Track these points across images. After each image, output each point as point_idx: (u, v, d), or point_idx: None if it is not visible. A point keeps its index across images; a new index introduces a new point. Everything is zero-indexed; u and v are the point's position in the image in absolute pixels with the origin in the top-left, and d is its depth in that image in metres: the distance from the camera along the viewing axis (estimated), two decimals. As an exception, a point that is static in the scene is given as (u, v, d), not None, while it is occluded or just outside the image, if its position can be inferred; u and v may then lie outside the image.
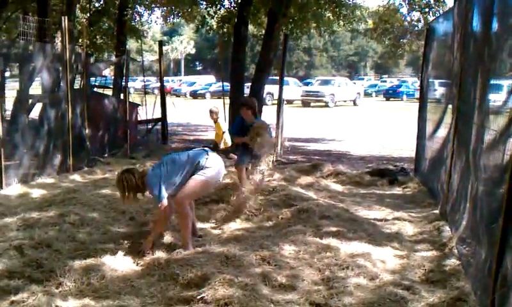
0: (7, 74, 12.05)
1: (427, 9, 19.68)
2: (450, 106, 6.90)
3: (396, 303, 4.00)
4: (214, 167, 5.25)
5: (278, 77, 13.15)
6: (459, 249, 5.16)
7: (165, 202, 4.99)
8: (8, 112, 10.93)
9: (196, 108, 24.10)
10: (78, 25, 16.31)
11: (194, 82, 47.82)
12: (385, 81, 52.93)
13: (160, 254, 4.85)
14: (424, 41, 10.17)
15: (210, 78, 50.86)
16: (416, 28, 21.99)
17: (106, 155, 11.22)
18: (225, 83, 15.65)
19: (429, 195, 7.89)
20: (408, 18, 21.88)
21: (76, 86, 10.57)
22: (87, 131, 10.40)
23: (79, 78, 10.93)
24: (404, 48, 24.06)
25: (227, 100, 13.99)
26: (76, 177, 8.98)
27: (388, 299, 4.06)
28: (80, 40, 14.19)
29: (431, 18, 18.59)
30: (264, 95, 14.53)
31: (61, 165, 9.35)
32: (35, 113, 11.40)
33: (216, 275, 4.18)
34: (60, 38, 9.62)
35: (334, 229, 5.71)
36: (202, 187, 5.31)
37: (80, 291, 4.10)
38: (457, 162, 5.99)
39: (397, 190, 8.70)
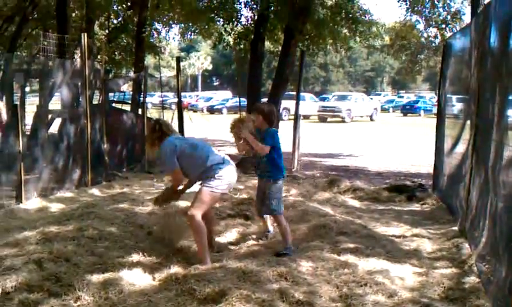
0: (27, 89, 12.27)
1: (443, 26, 19.68)
2: (468, 122, 6.86)
3: (415, 321, 3.96)
4: (224, 179, 5.29)
5: (294, 93, 13.18)
6: (478, 267, 5.09)
7: (178, 171, 5.28)
8: (28, 127, 11.11)
9: (213, 123, 24.25)
10: (97, 41, 16.56)
11: (211, 98, 48.15)
12: (402, 97, 52.81)
13: (177, 269, 4.85)
14: (441, 57, 10.14)
15: (227, 93, 51.20)
16: (433, 44, 21.95)
17: (124, 170, 11.31)
18: (242, 98, 15.72)
19: (448, 211, 7.81)
20: (425, 35, 21.88)
21: (95, 102, 10.71)
22: (105, 146, 10.50)
23: (98, 94, 11.07)
24: (421, 64, 24.01)
25: (244, 115, 14.03)
26: (94, 191, 9.06)
27: (407, 316, 4.01)
28: (99, 56, 14.38)
29: (447, 34, 18.57)
30: (281, 110, 14.54)
31: (79, 180, 9.45)
32: (54, 128, 11.55)
33: (233, 291, 4.17)
34: (79, 54, 9.77)
35: (352, 245, 5.67)
36: (211, 199, 5.35)
37: (98, 306, 4.12)
38: (476, 178, 5.93)
39: (416, 207, 8.63)
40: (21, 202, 7.77)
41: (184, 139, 5.70)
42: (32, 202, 7.89)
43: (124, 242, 5.79)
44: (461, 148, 7.37)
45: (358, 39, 16.25)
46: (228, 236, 6.37)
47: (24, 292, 4.29)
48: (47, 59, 9.51)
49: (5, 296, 4.25)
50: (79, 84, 9.64)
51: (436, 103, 10.81)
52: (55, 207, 7.74)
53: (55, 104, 12.18)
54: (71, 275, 4.60)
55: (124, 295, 4.29)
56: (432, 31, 21.13)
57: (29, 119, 11.69)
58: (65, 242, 5.54)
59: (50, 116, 10.57)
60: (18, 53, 17.03)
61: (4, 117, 9.60)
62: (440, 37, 20.36)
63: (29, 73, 10.66)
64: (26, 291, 4.31)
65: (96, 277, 4.53)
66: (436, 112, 10.79)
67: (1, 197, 8.00)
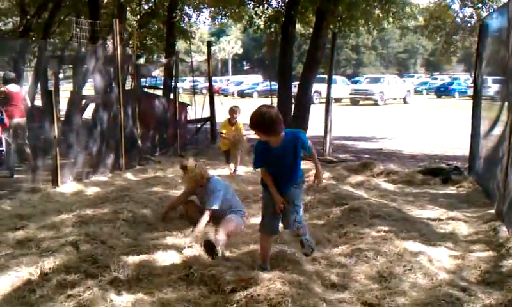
0: (61, 75, 12.46)
1: (480, 5, 19.17)
2: (505, 103, 6.68)
3: (451, 305, 3.88)
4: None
5: (325, 76, 13.05)
6: (516, 250, 4.99)
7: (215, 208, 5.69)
8: (63, 113, 11.31)
9: (244, 108, 24.21)
10: (128, 27, 16.69)
11: (242, 82, 48.12)
12: (436, 78, 51.72)
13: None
14: (476, 37, 9.88)
15: (258, 77, 51.11)
16: (468, 24, 21.43)
17: (157, 154, 11.42)
18: (273, 82, 15.66)
19: (485, 194, 7.65)
20: (460, 15, 21.37)
21: (127, 87, 10.81)
22: (138, 131, 10.60)
23: (130, 80, 11.17)
24: (456, 45, 23.46)
25: (275, 99, 13.98)
26: (128, 175, 9.18)
27: (443, 300, 3.95)
28: (130, 42, 14.50)
29: (484, 13, 18.07)
30: (312, 94, 14.43)
31: (113, 164, 9.58)
32: (88, 113, 11.73)
33: (265, 275, 4.19)
34: (111, 40, 9.85)
35: (386, 228, 5.61)
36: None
37: (133, 286, 4.18)
38: (515, 160, 5.79)
39: (451, 190, 8.47)
40: (57, 186, 7.92)
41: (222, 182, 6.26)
42: (68, 186, 8.04)
43: (158, 225, 5.86)
44: (498, 129, 7.19)
45: (390, 20, 15.98)
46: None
47: (61, 273, 4.38)
48: (79, 45, 9.62)
49: (43, 277, 4.35)
50: (111, 69, 9.73)
51: (472, 85, 10.55)
52: (90, 191, 7.87)
53: (88, 90, 12.35)
54: (107, 257, 4.67)
55: (158, 276, 4.34)
56: (468, 10, 20.65)
57: (63, 105, 11.89)
58: (101, 225, 5.64)
59: (83, 102, 10.72)
60: (52, 40, 17.28)
61: (29, 103, 9.79)
62: (475, 17, 19.87)
63: (63, 59, 10.81)
64: (64, 273, 4.39)
65: (132, 259, 4.58)
66: (471, 93, 10.55)
67: (38, 181, 8.19)
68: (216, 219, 5.71)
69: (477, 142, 8.92)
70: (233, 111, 9.46)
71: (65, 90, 12.01)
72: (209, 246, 4.80)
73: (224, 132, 9.42)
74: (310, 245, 4.41)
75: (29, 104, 9.99)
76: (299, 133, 4.33)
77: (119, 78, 9.55)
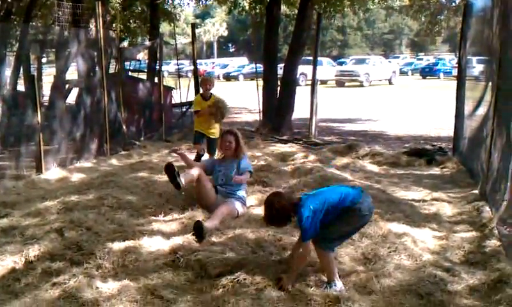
0: (44, 60, 12.30)
1: (464, -16, 19.14)
2: (489, 83, 6.72)
3: (435, 285, 3.95)
4: None
5: (311, 57, 13.02)
6: (499, 230, 5.07)
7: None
8: (46, 98, 11.18)
9: (230, 90, 24.09)
10: (111, 10, 16.47)
11: (227, 65, 47.89)
12: (421, 59, 51.82)
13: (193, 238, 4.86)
14: (461, 17, 9.89)
15: (243, 60, 50.85)
16: (453, 4, 21.44)
17: (142, 139, 11.35)
18: (258, 64, 15.59)
19: (468, 175, 7.73)
20: (445, -6, 21.35)
21: (111, 71, 10.69)
22: (123, 115, 10.52)
23: (114, 63, 11.05)
24: (441, 25, 23.46)
25: (260, 82, 13.93)
26: (113, 161, 9.12)
27: (428, 281, 4.01)
28: (114, 25, 14.31)
29: (469, -7, 18.07)
30: (298, 76, 14.39)
31: (98, 150, 9.51)
32: (72, 98, 11.60)
33: (250, 260, 4.26)
34: (94, 23, 9.71)
35: (371, 210, 5.64)
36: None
37: (119, 273, 4.17)
38: (498, 141, 5.85)
39: (435, 171, 8.55)
40: (41, 172, 7.85)
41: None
42: (52, 172, 7.97)
43: (143, 211, 5.84)
44: (482, 110, 7.25)
45: (376, 0, 15.92)
46: (248, 202, 6.34)
47: (46, 261, 4.36)
48: (62, 29, 9.47)
49: (28, 265, 4.33)
50: (95, 53, 9.61)
51: (456, 65, 10.58)
52: (75, 177, 7.81)
53: (72, 74, 12.20)
54: (92, 243, 4.65)
55: (144, 262, 4.34)
56: (453, -11, 20.63)
57: (46, 91, 11.75)
58: (86, 211, 5.60)
59: (67, 86, 10.60)
60: (34, 23, 17.01)
61: None
62: (460, -4, 19.86)
63: (45, 43, 10.66)
64: (48, 260, 4.38)
65: (117, 245, 4.57)
66: (456, 74, 10.59)
67: (22, 168, 8.10)
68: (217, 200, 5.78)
69: (461, 122, 8.99)
70: (206, 81, 8.17)
71: (48, 75, 11.86)
72: (199, 230, 4.82)
73: (199, 109, 7.99)
74: None
75: None
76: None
77: (102, 62, 9.44)
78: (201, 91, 8.40)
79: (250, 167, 6.09)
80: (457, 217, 5.82)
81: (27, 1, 16.96)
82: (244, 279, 3.95)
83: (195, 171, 5.70)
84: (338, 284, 3.91)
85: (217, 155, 6.54)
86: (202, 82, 8.34)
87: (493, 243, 4.76)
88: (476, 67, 8.89)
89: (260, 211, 5.83)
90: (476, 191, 6.64)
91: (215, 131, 8.05)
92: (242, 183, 5.93)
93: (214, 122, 8.00)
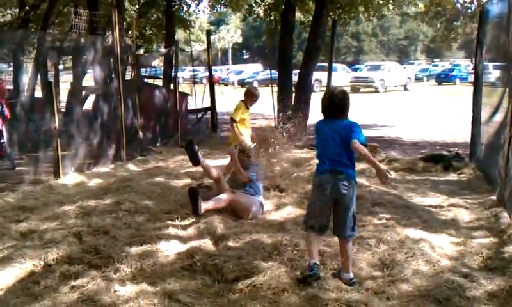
0: (61, 67, 12.44)
1: (480, -9, 19.02)
2: (506, 90, 6.67)
3: (453, 291, 3.91)
4: None
5: (326, 64, 13.02)
6: (518, 236, 5.00)
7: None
8: (63, 104, 11.30)
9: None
10: (127, 17, 16.62)
11: (242, 71, 47.97)
12: (437, 65, 51.47)
13: (209, 243, 4.88)
14: (477, 23, 9.83)
15: (258, 66, 50.90)
16: (469, 10, 21.30)
17: (158, 145, 11.42)
18: (273, 71, 15.61)
19: (486, 181, 7.65)
20: (461, 0, 21.22)
21: (127, 78, 10.78)
22: (139, 121, 10.60)
23: (130, 70, 11.15)
24: (457, 32, 23.31)
25: (275, 88, 13.95)
26: (130, 166, 9.18)
27: (446, 286, 3.97)
28: (130, 32, 14.44)
29: (484, -1, 17.96)
30: (312, 82, 14.38)
31: (115, 155, 9.58)
32: (88, 105, 11.71)
33: (264, 265, 4.25)
34: (111, 31, 9.81)
35: (387, 216, 5.63)
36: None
37: (136, 277, 4.20)
38: (516, 147, 5.79)
39: (452, 177, 8.48)
40: (59, 177, 7.93)
41: None
42: (69, 177, 8.04)
43: (160, 215, 5.88)
44: (499, 116, 7.18)
45: (390, 6, 15.88)
46: (264, 208, 6.34)
47: (64, 264, 4.41)
48: (79, 36, 9.59)
49: (47, 268, 4.37)
50: (111, 60, 9.71)
51: (473, 72, 10.51)
52: (92, 182, 7.88)
53: (88, 81, 12.33)
54: (110, 247, 4.69)
55: (162, 266, 4.36)
56: (469, -4, 20.50)
57: (63, 97, 11.87)
58: (103, 216, 5.66)
59: (84, 93, 10.71)
60: (51, 31, 17.21)
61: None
62: (476, 2, 19.72)
63: (62, 50, 10.79)
64: (67, 264, 4.42)
65: (135, 250, 4.61)
66: (472, 80, 10.52)
67: (40, 173, 8.19)
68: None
69: (478, 128, 8.91)
70: (256, 98, 7.94)
71: (65, 81, 11.98)
72: (194, 198, 5.11)
73: (238, 118, 7.72)
74: None
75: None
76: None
77: (118, 68, 9.52)
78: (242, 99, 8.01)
79: None
80: (474, 223, 5.77)
81: (45, 9, 17.18)
82: (261, 283, 3.95)
83: (224, 197, 5.79)
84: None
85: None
86: (254, 96, 7.89)
87: (511, 249, 4.71)
88: (492, 73, 8.82)
89: (277, 216, 5.87)
90: (494, 197, 6.58)
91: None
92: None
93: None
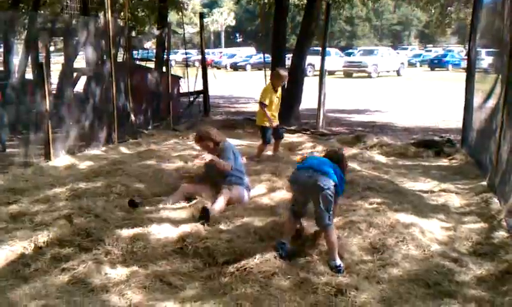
0: (52, 48, 12.30)
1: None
2: (499, 76, 6.67)
3: (443, 275, 3.95)
4: None
5: (319, 48, 12.96)
6: (508, 222, 5.05)
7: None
8: (54, 86, 11.20)
9: (236, 80, 24.14)
10: (120, -2, 16.43)
11: (235, 54, 47.82)
12: (430, 51, 51.56)
13: (200, 227, 4.87)
14: (471, 8, 9.81)
15: (251, 50, 50.78)
16: (464, -5, 21.27)
17: (150, 127, 11.37)
18: (266, 55, 15.54)
19: (477, 166, 7.69)
20: (455, -15, 21.18)
21: (119, 60, 10.69)
22: (131, 104, 10.53)
23: (122, 52, 11.04)
24: (451, 17, 23.31)
25: (268, 72, 13.90)
26: (121, 149, 9.14)
27: (435, 271, 4.01)
28: (122, 13, 14.28)
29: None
30: (305, 66, 14.33)
31: (106, 138, 9.52)
32: (80, 87, 11.61)
33: (255, 249, 4.26)
34: (103, 12, 9.71)
35: (379, 200, 5.64)
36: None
37: (127, 260, 4.20)
38: (507, 133, 5.81)
39: (444, 162, 8.51)
40: (50, 160, 7.88)
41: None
42: (60, 159, 8.00)
43: (151, 198, 5.87)
44: (491, 102, 7.20)
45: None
46: (256, 191, 6.33)
47: (55, 247, 4.40)
48: (70, 17, 9.47)
49: (37, 251, 4.37)
50: (103, 42, 9.61)
51: (466, 57, 10.52)
52: (83, 164, 7.84)
53: (80, 63, 12.21)
54: (101, 230, 4.68)
55: (153, 249, 4.35)
56: (463, -19, 20.45)
57: (54, 79, 11.76)
58: (94, 198, 5.64)
59: (75, 75, 10.60)
60: (42, 11, 17.01)
61: None
62: (470, -13, 19.68)
63: (54, 31, 10.65)
64: (58, 246, 4.42)
65: (126, 232, 4.60)
66: (465, 66, 10.52)
67: (30, 155, 8.14)
68: (217, 187, 5.75)
69: (470, 114, 8.93)
70: (284, 79, 8.30)
71: (56, 63, 11.87)
72: (205, 212, 4.88)
73: (267, 101, 7.93)
74: None
75: None
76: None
77: (111, 50, 9.44)
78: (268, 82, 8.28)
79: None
80: (465, 208, 5.80)
81: (36, -11, 16.96)
82: (252, 267, 3.97)
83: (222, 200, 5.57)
84: None
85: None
86: (282, 77, 8.11)
87: (501, 234, 4.76)
88: (485, 59, 8.83)
89: (268, 200, 5.86)
90: (484, 183, 6.62)
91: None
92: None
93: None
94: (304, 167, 4.44)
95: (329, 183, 4.22)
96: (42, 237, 4.51)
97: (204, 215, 4.94)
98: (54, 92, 10.41)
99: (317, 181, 4.21)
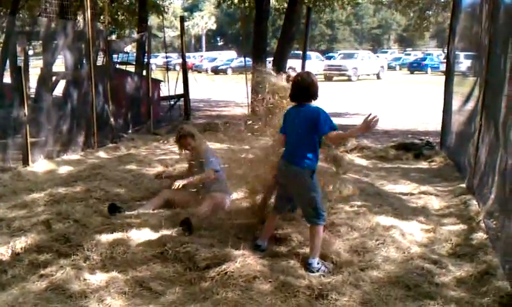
0: (30, 52, 12.14)
1: (453, -20, 19.23)
2: (478, 79, 6.76)
3: (423, 277, 3.98)
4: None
5: (300, 51, 13.02)
6: (486, 223, 5.10)
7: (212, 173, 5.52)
8: (33, 90, 11.05)
9: (218, 84, 24.10)
10: (100, 1, 16.32)
11: (216, 58, 47.71)
12: (409, 54, 52.04)
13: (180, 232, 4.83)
14: (450, 12, 9.94)
15: (232, 53, 50.71)
16: (442, -1, 21.54)
17: (130, 132, 11.28)
18: (247, 58, 15.55)
19: (456, 169, 7.78)
20: (434, -11, 21.44)
21: (98, 63, 10.60)
22: (111, 108, 10.44)
23: (102, 56, 10.94)
24: (430, 20, 23.59)
25: (249, 75, 13.90)
26: (101, 153, 9.05)
27: (415, 273, 4.04)
28: (102, 17, 14.17)
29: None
30: (286, 70, 14.35)
31: (85, 142, 9.42)
32: (59, 91, 11.48)
33: (235, 254, 4.22)
34: (82, 15, 9.61)
35: (359, 203, 5.67)
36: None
37: (107, 265, 4.15)
38: (486, 135, 5.88)
39: (423, 165, 8.60)
40: (28, 165, 7.77)
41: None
42: (39, 164, 7.89)
43: (131, 203, 5.82)
44: (469, 105, 7.29)
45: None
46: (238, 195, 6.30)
47: (33, 253, 4.33)
48: (49, 20, 9.36)
49: (15, 257, 4.29)
50: (82, 45, 9.52)
51: (444, 61, 10.65)
52: (62, 169, 7.74)
53: (59, 67, 12.08)
54: (80, 235, 4.63)
55: (132, 254, 4.30)
56: (441, -15, 20.72)
57: (33, 83, 11.61)
58: (73, 203, 5.58)
59: (54, 79, 10.47)
60: (21, 15, 16.80)
61: None
62: (448, -8, 19.93)
63: (32, 35, 10.51)
64: (36, 252, 4.34)
65: (105, 238, 4.54)
66: (443, 69, 10.65)
67: (8, 160, 8.01)
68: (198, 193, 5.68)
69: (449, 117, 9.04)
70: None
71: (35, 67, 11.71)
72: (187, 223, 4.81)
73: None
74: None
75: None
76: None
77: (90, 54, 9.35)
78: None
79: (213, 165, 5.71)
80: (444, 211, 5.86)
81: (14, -8, 16.76)
82: (233, 271, 3.95)
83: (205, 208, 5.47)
84: None
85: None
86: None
87: (480, 236, 4.81)
88: (464, 62, 8.95)
89: (249, 204, 5.82)
90: (463, 185, 6.69)
91: None
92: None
93: None
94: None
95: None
96: (20, 243, 4.44)
97: (187, 228, 4.85)
98: (32, 96, 10.27)
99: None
